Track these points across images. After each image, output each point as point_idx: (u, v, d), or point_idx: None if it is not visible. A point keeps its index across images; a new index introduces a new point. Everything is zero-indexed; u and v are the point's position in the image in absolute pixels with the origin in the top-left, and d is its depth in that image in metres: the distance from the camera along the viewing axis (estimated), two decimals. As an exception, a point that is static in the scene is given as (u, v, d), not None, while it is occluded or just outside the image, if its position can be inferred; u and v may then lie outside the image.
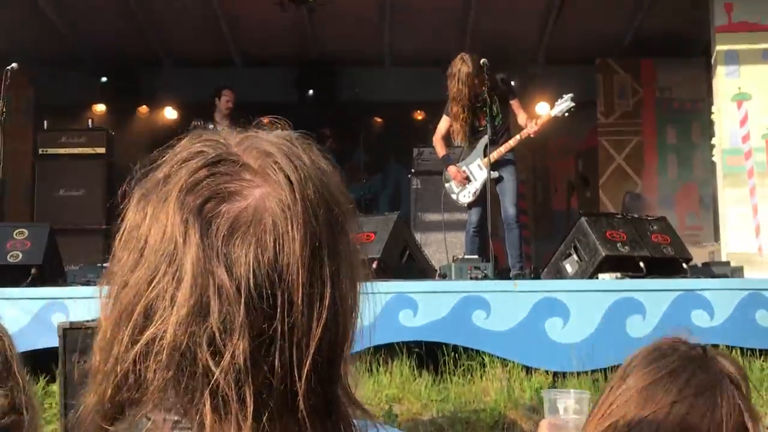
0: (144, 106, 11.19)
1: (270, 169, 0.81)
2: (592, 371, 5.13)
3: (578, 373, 5.15)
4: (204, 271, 0.76)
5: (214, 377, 0.75)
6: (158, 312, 0.77)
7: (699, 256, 7.47)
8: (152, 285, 0.77)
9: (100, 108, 10.95)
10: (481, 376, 5.14)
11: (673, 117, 10.64)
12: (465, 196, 6.86)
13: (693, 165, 10.39)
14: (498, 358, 5.25)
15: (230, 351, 0.75)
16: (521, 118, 6.76)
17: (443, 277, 6.26)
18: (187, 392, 0.76)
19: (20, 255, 5.90)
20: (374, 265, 5.62)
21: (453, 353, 5.24)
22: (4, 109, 6.76)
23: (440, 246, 8.71)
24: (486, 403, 4.86)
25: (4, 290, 5.49)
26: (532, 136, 6.64)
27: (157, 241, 0.78)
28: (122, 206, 0.85)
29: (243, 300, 0.76)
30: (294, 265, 0.78)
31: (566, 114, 6.65)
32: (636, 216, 6.66)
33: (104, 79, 10.88)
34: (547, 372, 5.23)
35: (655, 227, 6.24)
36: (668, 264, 6.01)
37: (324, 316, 0.79)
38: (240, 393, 0.75)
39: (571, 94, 6.65)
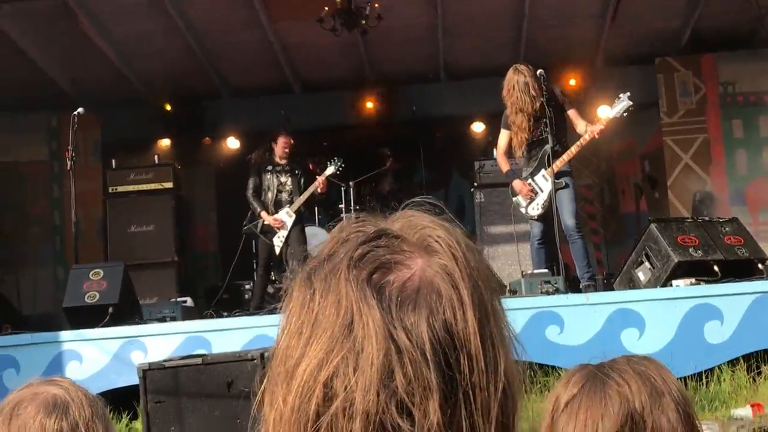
0: (207, 138, 11.39)
1: (429, 240, 0.84)
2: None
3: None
4: (387, 336, 0.77)
5: None
6: (341, 382, 0.77)
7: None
8: (332, 356, 0.78)
9: (165, 143, 11.19)
10: (558, 393, 5.07)
11: (738, 111, 10.37)
12: (534, 208, 6.74)
13: (763, 159, 10.09)
14: (574, 373, 5.17)
15: (422, 412, 0.76)
16: (580, 126, 6.62)
17: (513, 293, 6.20)
18: None
19: (97, 295, 6.08)
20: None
21: (528, 370, 5.18)
22: (74, 153, 6.99)
23: (508, 259, 8.65)
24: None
25: (84, 332, 5.65)
26: (596, 137, 6.49)
27: (332, 313, 0.80)
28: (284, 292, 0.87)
29: (429, 362, 0.77)
30: (469, 329, 0.80)
31: (625, 114, 6.53)
32: (707, 219, 6.50)
33: (169, 107, 11.12)
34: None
35: (727, 229, 6.08)
36: (743, 266, 5.83)
37: (502, 379, 0.81)
38: None
39: (627, 93, 6.52)
